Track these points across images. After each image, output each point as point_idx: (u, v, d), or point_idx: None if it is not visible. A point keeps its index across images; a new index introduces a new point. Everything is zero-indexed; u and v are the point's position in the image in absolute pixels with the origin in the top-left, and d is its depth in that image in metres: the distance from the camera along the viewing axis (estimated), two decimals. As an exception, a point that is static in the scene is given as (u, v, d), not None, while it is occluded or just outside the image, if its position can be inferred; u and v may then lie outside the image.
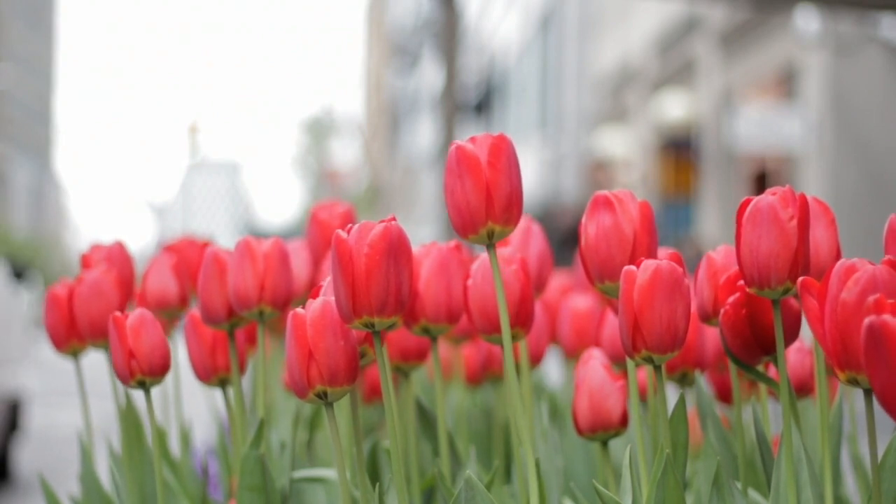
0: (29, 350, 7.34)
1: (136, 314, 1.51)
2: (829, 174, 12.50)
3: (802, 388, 1.68)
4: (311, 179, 63.90)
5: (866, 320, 0.97)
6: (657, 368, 1.28)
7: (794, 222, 1.26)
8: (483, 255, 1.54)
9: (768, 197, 1.27)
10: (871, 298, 1.03)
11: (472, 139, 1.33)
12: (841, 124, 12.53)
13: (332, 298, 1.30)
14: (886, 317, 0.97)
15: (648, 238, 1.37)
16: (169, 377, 1.57)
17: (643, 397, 1.75)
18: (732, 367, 1.50)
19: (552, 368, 3.25)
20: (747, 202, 1.29)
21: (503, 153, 1.32)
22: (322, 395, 1.30)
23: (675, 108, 17.07)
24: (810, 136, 12.55)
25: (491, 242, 1.34)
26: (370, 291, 1.25)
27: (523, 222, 1.77)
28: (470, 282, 1.52)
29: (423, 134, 39.48)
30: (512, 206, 1.32)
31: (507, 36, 29.54)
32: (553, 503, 1.68)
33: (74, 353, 1.81)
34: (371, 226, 1.27)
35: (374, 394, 2.19)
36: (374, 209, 46.77)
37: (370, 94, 70.51)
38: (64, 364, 6.65)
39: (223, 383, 1.68)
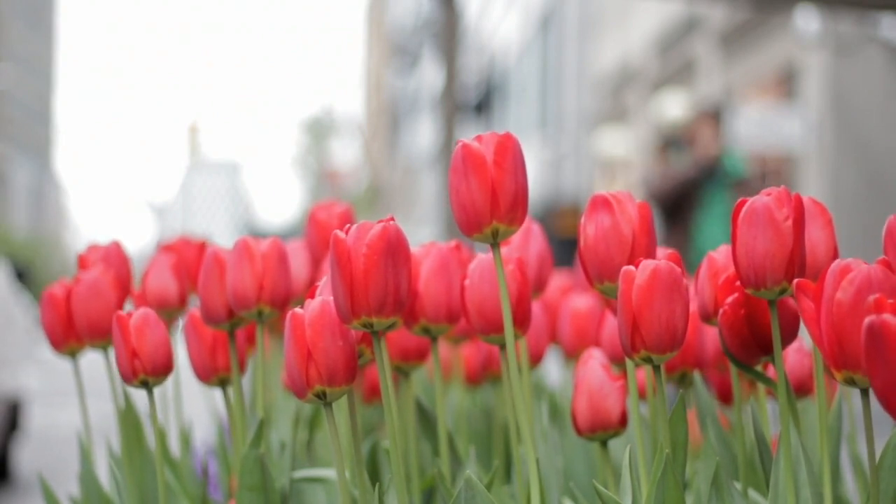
0: (29, 350, 7.34)
1: (139, 313, 1.50)
2: (828, 174, 12.49)
3: (802, 389, 1.68)
4: (311, 179, 63.93)
5: (866, 319, 0.97)
6: (656, 368, 1.28)
7: (790, 222, 1.26)
8: (480, 256, 1.54)
9: (763, 198, 1.28)
10: (871, 298, 1.03)
11: (479, 138, 1.32)
12: (841, 124, 12.52)
13: (330, 298, 1.30)
14: (886, 316, 0.97)
15: (647, 238, 1.37)
16: (169, 377, 1.57)
17: (643, 397, 1.75)
18: (732, 367, 1.50)
19: (552, 368, 3.24)
20: (743, 202, 1.29)
21: (509, 152, 1.32)
22: (321, 395, 1.30)
23: (675, 108, 17.05)
24: (810, 136, 12.54)
25: (495, 241, 1.33)
26: (368, 292, 1.25)
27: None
28: (467, 282, 1.52)
29: (423, 134, 39.45)
30: (517, 206, 1.32)
31: (507, 36, 29.52)
32: (553, 503, 1.68)
33: (72, 354, 1.81)
34: (369, 226, 1.27)
35: (374, 394, 2.19)
36: (374, 209, 46.76)
37: (370, 94, 70.50)
38: (64, 364, 6.64)
39: (223, 383, 1.68)
